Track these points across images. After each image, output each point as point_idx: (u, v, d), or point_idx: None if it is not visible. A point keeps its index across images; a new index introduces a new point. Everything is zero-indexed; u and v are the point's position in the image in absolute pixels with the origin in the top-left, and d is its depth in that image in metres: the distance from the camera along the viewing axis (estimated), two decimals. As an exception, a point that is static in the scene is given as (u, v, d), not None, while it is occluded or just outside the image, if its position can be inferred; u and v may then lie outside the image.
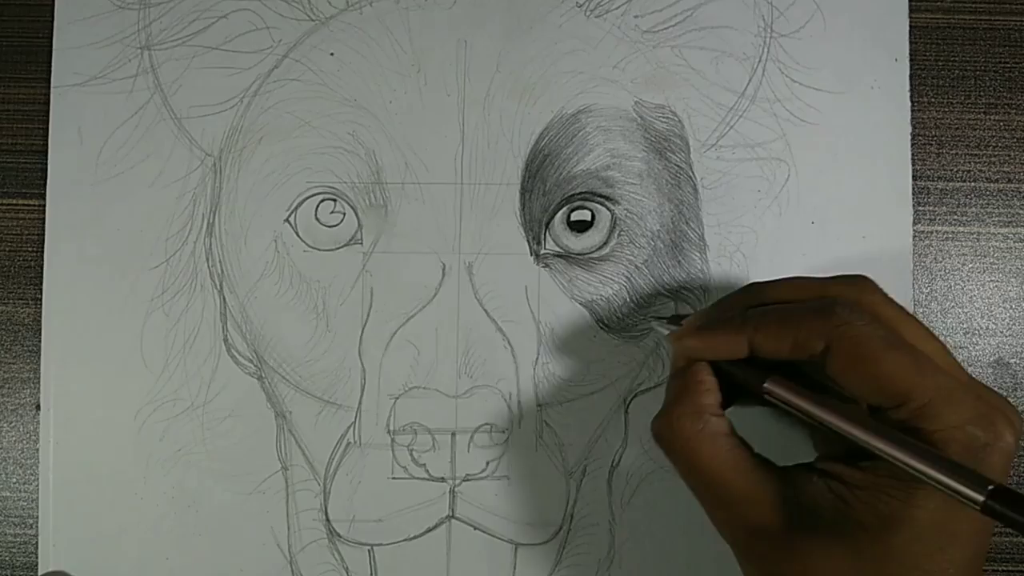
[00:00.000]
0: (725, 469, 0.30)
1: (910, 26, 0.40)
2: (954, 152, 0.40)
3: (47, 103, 0.39)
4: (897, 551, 0.27)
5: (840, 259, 0.39)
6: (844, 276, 0.31)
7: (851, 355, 0.28)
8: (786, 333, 0.29)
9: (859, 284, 0.31)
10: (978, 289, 0.40)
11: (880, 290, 0.31)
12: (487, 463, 0.38)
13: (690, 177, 0.39)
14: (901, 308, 0.30)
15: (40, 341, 0.39)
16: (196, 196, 0.39)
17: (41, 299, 0.39)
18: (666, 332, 0.34)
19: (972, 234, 0.40)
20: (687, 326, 0.32)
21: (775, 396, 0.30)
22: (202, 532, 0.38)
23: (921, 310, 0.40)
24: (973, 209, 0.40)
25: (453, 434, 0.38)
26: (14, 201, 0.40)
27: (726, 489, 0.30)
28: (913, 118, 0.40)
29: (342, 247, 0.39)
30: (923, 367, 0.27)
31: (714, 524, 0.31)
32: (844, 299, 0.29)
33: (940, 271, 0.40)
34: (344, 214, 0.39)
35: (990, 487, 0.24)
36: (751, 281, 0.35)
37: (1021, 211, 0.40)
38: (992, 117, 0.41)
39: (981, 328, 0.40)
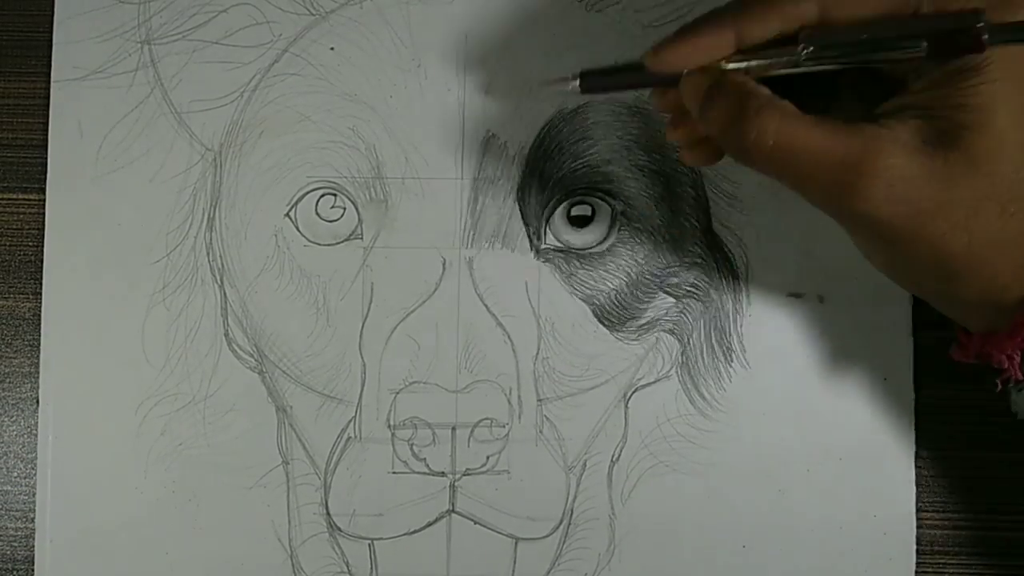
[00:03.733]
0: (825, 135, 0.27)
1: (911, 21, 0.40)
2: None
3: (47, 97, 0.39)
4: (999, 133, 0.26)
5: (841, 254, 0.39)
6: None
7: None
8: (773, 11, 0.28)
9: None
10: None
11: None
12: (487, 458, 0.38)
13: (690, 172, 0.39)
14: None
15: (40, 336, 0.39)
16: (196, 191, 0.39)
17: (41, 294, 0.39)
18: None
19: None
20: (664, 39, 0.30)
21: (818, 43, 0.28)
22: (203, 526, 0.38)
23: (923, 309, 0.40)
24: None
25: (453, 429, 0.38)
26: (14, 196, 0.40)
27: (837, 155, 0.27)
28: (913, 113, 0.40)
29: (342, 242, 0.39)
30: None
31: (839, 208, 0.28)
32: None
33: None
34: (344, 209, 0.39)
35: None
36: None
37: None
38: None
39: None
